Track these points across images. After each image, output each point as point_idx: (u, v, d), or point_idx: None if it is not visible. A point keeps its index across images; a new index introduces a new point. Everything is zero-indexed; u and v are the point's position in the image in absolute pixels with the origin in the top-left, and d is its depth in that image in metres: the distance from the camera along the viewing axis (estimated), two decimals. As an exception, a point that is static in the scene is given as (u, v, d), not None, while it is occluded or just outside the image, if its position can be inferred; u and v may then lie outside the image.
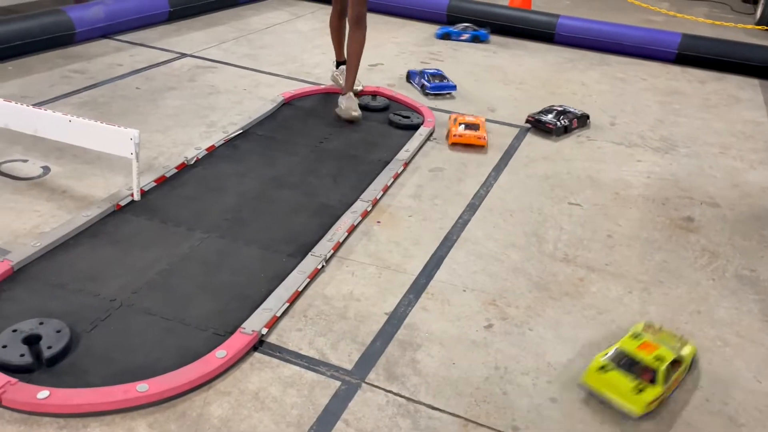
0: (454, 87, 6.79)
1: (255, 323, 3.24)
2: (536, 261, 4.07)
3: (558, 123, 5.97)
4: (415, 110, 6.21)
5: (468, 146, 5.57)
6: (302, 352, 3.20)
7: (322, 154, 5.32)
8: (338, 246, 4.02)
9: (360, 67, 5.97)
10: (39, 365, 2.95)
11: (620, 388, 2.94)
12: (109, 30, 7.75)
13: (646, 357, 3.01)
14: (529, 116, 6.14)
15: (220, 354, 3.03)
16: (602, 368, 3.02)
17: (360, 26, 5.79)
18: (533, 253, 4.14)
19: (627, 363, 3.02)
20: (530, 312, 3.59)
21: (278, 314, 3.36)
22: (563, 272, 3.98)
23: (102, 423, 2.73)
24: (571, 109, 6.29)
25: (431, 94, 6.71)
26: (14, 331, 3.07)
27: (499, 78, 7.52)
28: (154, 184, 4.59)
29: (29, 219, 4.11)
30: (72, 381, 2.88)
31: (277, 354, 3.19)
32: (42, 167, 4.75)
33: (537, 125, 6.04)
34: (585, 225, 4.53)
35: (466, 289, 3.74)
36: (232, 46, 8.05)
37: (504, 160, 5.43)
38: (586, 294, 3.80)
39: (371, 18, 5.88)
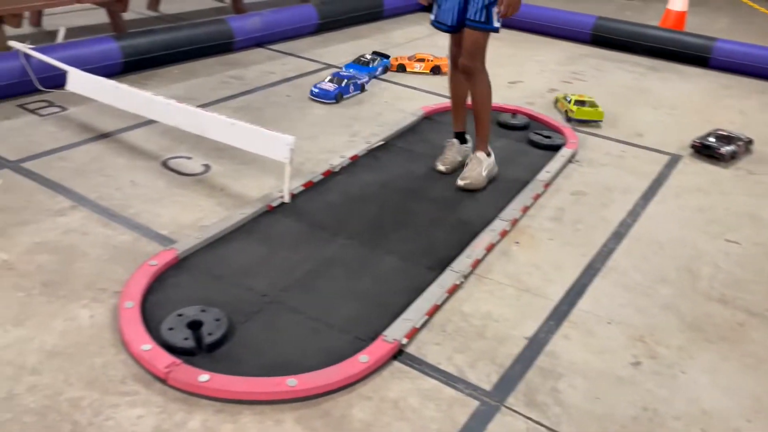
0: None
1: (396, 332, 3.31)
2: (689, 299, 3.82)
3: (727, 149, 5.58)
4: (557, 130, 6.06)
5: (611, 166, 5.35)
6: (441, 367, 3.22)
7: (461, 170, 5.33)
8: (477, 263, 4.01)
9: (499, 85, 5.75)
10: (200, 350, 3.19)
11: None
12: (264, 39, 8.28)
13: None
14: (694, 141, 5.77)
15: (363, 359, 3.12)
16: None
17: (472, 78, 4.76)
18: (685, 291, 3.89)
19: None
20: (682, 353, 3.37)
21: (418, 326, 3.40)
22: (720, 314, 3.70)
23: (253, 412, 2.90)
24: (736, 134, 5.86)
25: None
26: (179, 315, 3.35)
27: (648, 102, 7.17)
28: (303, 188, 4.83)
29: (192, 212, 4.47)
30: (227, 368, 3.08)
31: (416, 365, 3.22)
32: (203, 165, 5.16)
33: (703, 151, 5.67)
34: (745, 265, 4.19)
35: (612, 322, 3.59)
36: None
37: (653, 188, 5.15)
38: (747, 340, 3.51)
39: (511, 36, 5.81)
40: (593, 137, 6.13)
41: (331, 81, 6.64)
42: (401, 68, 7.76)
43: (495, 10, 4.42)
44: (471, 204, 4.80)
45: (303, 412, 2.91)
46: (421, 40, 9.16)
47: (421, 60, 7.77)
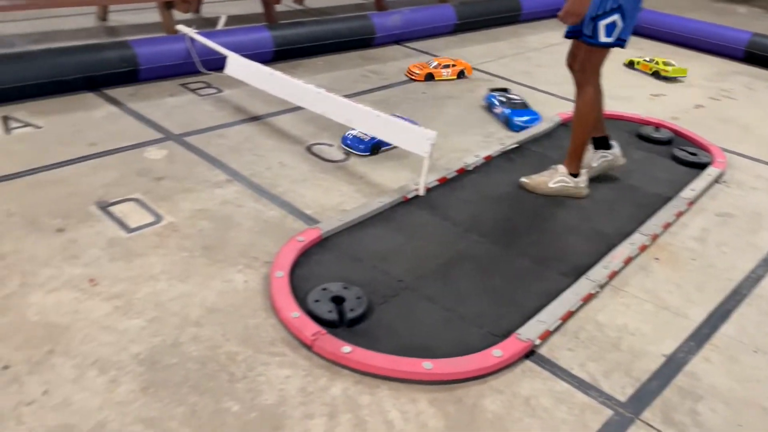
0: (539, 119, 6.19)
1: (530, 332, 3.34)
2: None
3: None
4: (703, 148, 5.79)
5: None
6: (573, 372, 3.22)
7: (598, 180, 5.23)
8: (613, 275, 3.94)
9: (641, 97, 5.60)
10: (341, 324, 3.39)
11: None
12: (402, 37, 8.51)
13: None
14: None
15: (497, 353, 3.19)
16: None
17: (578, 89, 4.62)
18: (843, 328, 3.63)
19: None
20: (836, 394, 3.16)
21: (551, 329, 3.42)
22: None
23: (390, 388, 3.05)
24: None
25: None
26: (324, 289, 3.57)
27: (806, 126, 6.66)
28: (437, 183, 4.95)
29: (333, 197, 4.73)
30: (366, 343, 3.26)
31: (548, 367, 3.25)
32: (344, 153, 5.43)
33: None
34: None
35: (758, 351, 3.42)
36: (510, 62, 8.29)
37: (810, 218, 4.81)
38: None
39: (656, 47, 5.59)
40: (742, 158, 5.79)
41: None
42: (429, 77, 7.20)
43: (603, 23, 4.21)
44: (608, 215, 4.71)
45: (436, 395, 3.03)
46: (557, 46, 9.02)
47: (447, 66, 7.37)
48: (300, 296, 3.53)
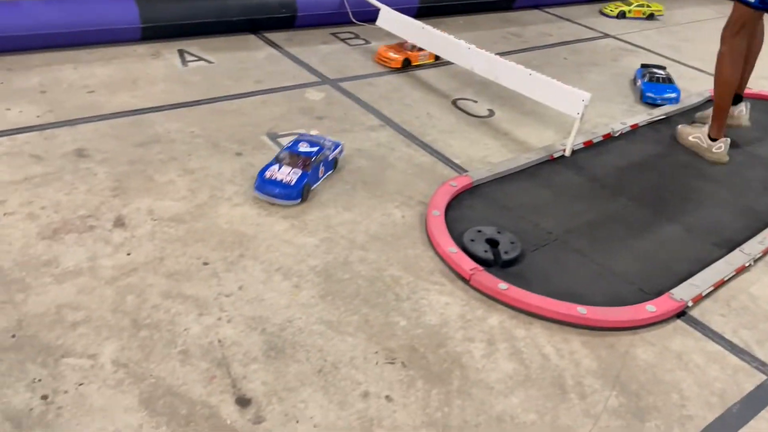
0: (675, 98, 5.91)
1: (683, 293, 3.41)
2: None
3: None
4: None
5: None
6: (726, 336, 3.27)
7: (751, 158, 5.09)
8: (767, 251, 3.90)
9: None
10: (495, 264, 3.60)
11: None
12: (542, 2, 8.43)
13: None
14: None
15: (650, 308, 3.29)
16: None
17: (720, 46, 4.74)
18: None
19: None
20: None
21: (704, 293, 3.47)
22: None
23: (543, 327, 3.24)
24: None
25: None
26: (479, 231, 3.78)
27: None
28: (582, 146, 5.00)
29: (479, 149, 4.89)
30: (519, 284, 3.44)
31: (699, 329, 3.32)
32: (488, 109, 5.55)
33: None
34: None
35: None
36: (654, 35, 8.03)
37: None
38: None
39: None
40: None
41: (287, 163, 3.98)
42: (407, 63, 6.13)
43: None
44: (762, 194, 4.60)
45: (588, 338, 3.19)
46: (705, 22, 8.62)
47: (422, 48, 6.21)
48: (454, 235, 3.76)
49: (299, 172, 3.92)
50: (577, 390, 2.88)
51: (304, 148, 4.11)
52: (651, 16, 8.49)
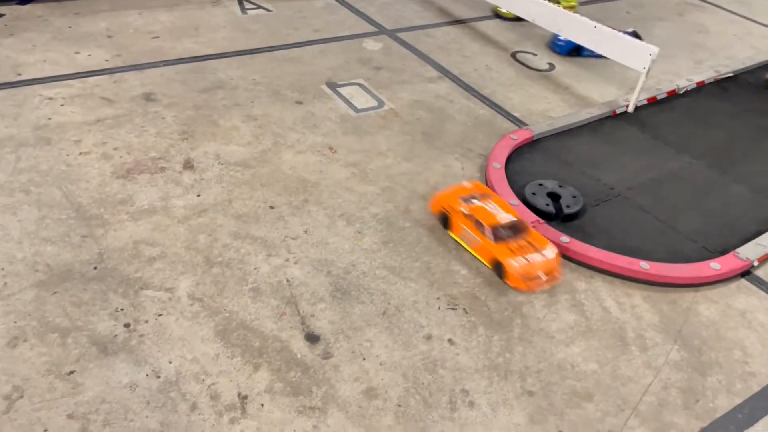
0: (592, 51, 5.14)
1: (749, 253, 3.35)
2: None
3: None
4: None
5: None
6: (792, 297, 3.23)
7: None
8: (840, 215, 3.79)
9: None
10: (557, 217, 3.59)
11: None
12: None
13: None
14: None
15: (715, 266, 3.25)
16: None
17: None
18: None
19: None
20: None
21: (773, 254, 3.41)
22: None
23: (604, 280, 3.24)
24: None
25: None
26: (540, 184, 3.76)
27: None
28: (646, 102, 4.87)
29: (539, 103, 4.82)
30: (581, 238, 3.44)
31: (764, 288, 3.27)
32: (548, 63, 5.44)
33: None
34: None
35: None
36: (723, -12, 7.66)
37: None
38: None
39: None
40: None
41: None
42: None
43: None
44: (834, 156, 4.44)
45: (650, 293, 3.18)
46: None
47: None
48: (515, 188, 3.75)
49: None
50: (638, 343, 2.90)
51: None
52: None
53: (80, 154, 3.66)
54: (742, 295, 3.21)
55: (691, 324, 3.02)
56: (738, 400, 2.68)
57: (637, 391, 2.66)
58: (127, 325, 2.70)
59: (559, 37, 5.05)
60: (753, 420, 2.61)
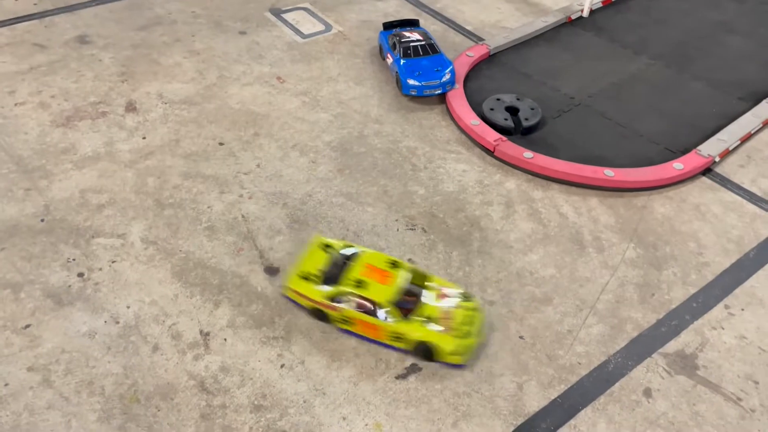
0: (450, 79, 3.90)
1: (710, 149, 3.37)
2: None
3: None
4: None
5: None
6: (744, 186, 3.27)
7: (777, 7, 4.83)
8: (794, 102, 3.80)
9: None
10: (516, 131, 3.55)
11: None
12: None
13: None
14: None
15: (678, 166, 3.27)
16: None
17: None
18: None
19: None
20: None
21: (731, 148, 3.42)
22: None
23: (560, 187, 3.25)
24: None
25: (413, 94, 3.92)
26: (498, 99, 3.70)
27: None
28: (601, 4, 4.76)
29: (492, 13, 4.68)
30: (542, 151, 3.42)
31: (718, 181, 3.31)
32: (500, -28, 5.26)
33: None
34: None
35: None
36: None
37: None
38: None
39: None
40: None
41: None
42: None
43: None
44: (789, 44, 4.41)
45: (606, 197, 3.20)
46: None
47: None
48: (473, 105, 3.69)
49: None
50: (595, 245, 2.93)
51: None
52: None
53: (16, 105, 3.50)
54: (696, 191, 3.25)
55: (647, 222, 3.06)
56: (693, 290, 2.75)
57: (595, 290, 2.72)
58: (80, 275, 2.66)
59: (407, 81, 3.81)
60: (708, 307, 2.69)
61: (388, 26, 4.13)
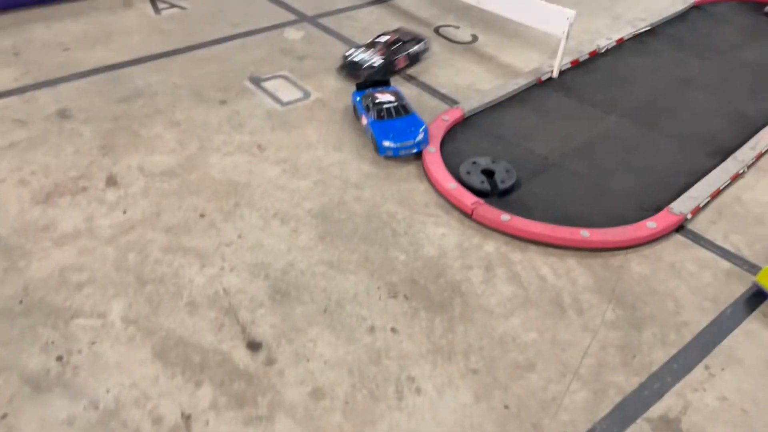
0: (423, 139, 3.87)
1: (682, 207, 3.45)
2: None
3: None
4: None
5: None
6: (717, 242, 3.34)
7: (737, 63, 5.04)
8: (760, 156, 3.93)
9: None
10: (493, 194, 3.62)
11: None
12: None
13: None
14: None
15: (651, 225, 3.33)
16: None
17: None
18: None
19: None
20: None
21: (701, 205, 3.51)
22: None
23: (539, 249, 3.29)
24: None
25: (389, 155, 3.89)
26: (474, 163, 3.78)
27: None
28: (569, 65, 4.94)
29: (466, 76, 4.82)
30: (519, 212, 3.47)
31: (691, 237, 3.38)
32: (471, 35, 5.44)
33: None
34: None
35: None
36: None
37: None
38: None
39: None
40: None
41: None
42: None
43: None
44: (750, 99, 4.58)
45: (583, 256, 3.25)
46: None
47: None
48: (450, 168, 3.76)
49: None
50: (575, 307, 2.96)
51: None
52: None
53: (-5, 182, 3.51)
54: (670, 248, 3.32)
55: (625, 282, 3.11)
56: (673, 351, 2.78)
57: (577, 354, 2.73)
58: (59, 358, 2.62)
59: (383, 143, 3.81)
60: (688, 368, 2.72)
61: (361, 86, 4.26)
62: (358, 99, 4.21)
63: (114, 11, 5.44)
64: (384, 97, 4.09)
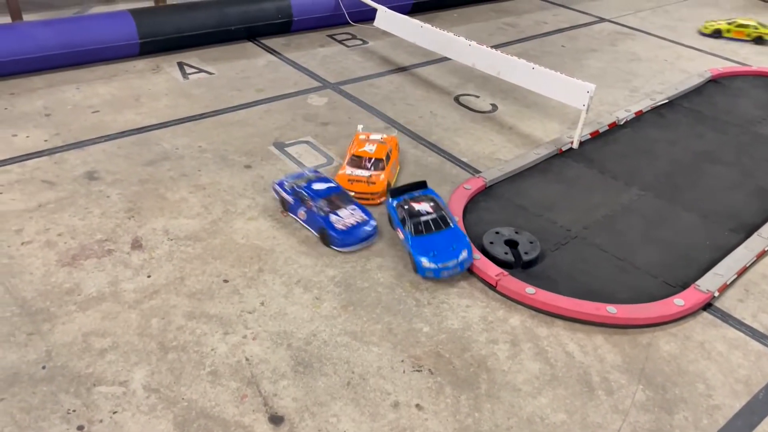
0: (467, 258, 3.51)
1: (709, 284, 3.41)
2: None
3: None
4: None
5: None
6: (745, 322, 3.29)
7: (756, 137, 5.09)
8: (784, 233, 3.92)
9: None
10: (517, 265, 3.60)
11: None
12: (536, -11, 8.39)
13: None
14: None
15: (678, 302, 3.29)
16: None
17: None
18: None
19: None
20: None
21: (728, 282, 3.48)
22: None
23: (564, 323, 3.25)
24: None
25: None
26: (497, 233, 3.78)
27: None
28: (589, 136, 5.00)
29: (486, 146, 4.89)
30: (543, 286, 3.44)
31: (720, 316, 3.33)
32: (491, 104, 5.55)
33: None
34: None
35: None
36: (649, 16, 8.00)
37: None
38: None
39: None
40: None
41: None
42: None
43: None
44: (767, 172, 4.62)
45: (610, 333, 3.20)
46: (701, -2, 8.57)
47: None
48: (472, 238, 3.76)
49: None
50: (604, 386, 2.90)
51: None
52: (759, 40, 7.22)
53: (22, 244, 3.53)
54: (699, 327, 3.26)
55: (653, 361, 3.05)
56: (707, 437, 2.70)
57: (609, 439, 2.66)
58: (80, 428, 2.57)
59: (422, 263, 3.46)
60: (723, 455, 2.63)
61: (395, 193, 3.91)
62: (393, 205, 3.85)
63: (143, 75, 5.60)
64: (421, 206, 3.74)
